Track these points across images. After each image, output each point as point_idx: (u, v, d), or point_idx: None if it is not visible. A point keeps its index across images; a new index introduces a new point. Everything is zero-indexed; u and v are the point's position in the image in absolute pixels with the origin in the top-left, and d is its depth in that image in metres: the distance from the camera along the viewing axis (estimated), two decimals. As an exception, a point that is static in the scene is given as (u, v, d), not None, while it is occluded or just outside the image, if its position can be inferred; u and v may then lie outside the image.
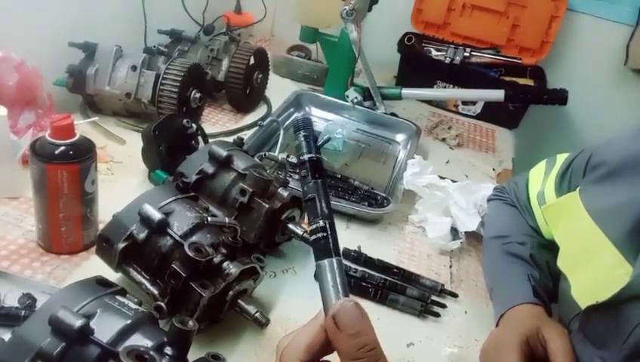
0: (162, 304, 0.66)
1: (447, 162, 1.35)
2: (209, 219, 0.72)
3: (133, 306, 0.55)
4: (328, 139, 1.09)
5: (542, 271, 0.82)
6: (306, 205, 0.41)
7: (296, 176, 1.12)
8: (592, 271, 0.67)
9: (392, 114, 1.41)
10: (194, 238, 0.70)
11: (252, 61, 1.30)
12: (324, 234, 0.40)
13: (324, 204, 0.40)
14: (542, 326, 0.71)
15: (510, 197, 0.95)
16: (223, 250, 0.70)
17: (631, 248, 0.62)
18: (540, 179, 0.88)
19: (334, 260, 0.39)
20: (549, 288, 0.81)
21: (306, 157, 0.41)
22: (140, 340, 0.51)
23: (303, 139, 0.42)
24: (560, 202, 0.78)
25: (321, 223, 0.40)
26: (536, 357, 0.70)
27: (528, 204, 0.90)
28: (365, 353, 0.35)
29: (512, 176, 1.33)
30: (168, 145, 0.96)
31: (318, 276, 0.40)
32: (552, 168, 0.86)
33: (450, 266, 0.99)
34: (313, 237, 0.40)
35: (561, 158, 0.86)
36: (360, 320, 0.36)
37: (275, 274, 0.87)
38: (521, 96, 1.40)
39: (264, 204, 0.81)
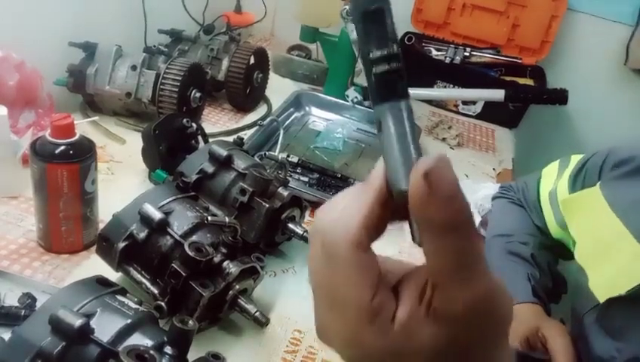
0: (162, 303, 0.66)
1: (447, 162, 1.35)
2: (209, 218, 0.72)
3: (134, 306, 0.55)
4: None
5: (542, 271, 0.82)
6: (366, 21, 0.27)
7: (296, 176, 1.12)
8: (613, 264, 0.68)
9: (393, 113, 1.41)
10: (194, 238, 0.70)
11: (252, 61, 1.30)
12: (397, 65, 0.27)
13: (394, 22, 0.27)
14: (541, 325, 0.71)
15: (517, 196, 0.95)
16: (223, 250, 0.70)
17: None
18: (553, 178, 0.89)
19: (403, 103, 0.27)
20: (548, 288, 0.81)
21: None
22: (140, 339, 0.51)
23: None
24: (579, 196, 0.79)
25: (395, 49, 0.27)
26: None
27: (538, 202, 0.90)
28: (464, 221, 0.25)
29: (512, 176, 1.33)
30: (168, 145, 0.96)
31: (384, 124, 0.27)
32: (565, 168, 0.87)
33: (450, 266, 0.99)
34: (380, 68, 0.27)
35: (575, 159, 0.86)
36: (456, 181, 0.25)
37: (275, 273, 0.87)
38: (521, 95, 1.40)
39: (264, 203, 0.81)
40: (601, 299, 0.67)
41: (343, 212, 0.28)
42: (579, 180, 0.81)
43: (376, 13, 0.27)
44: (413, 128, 0.27)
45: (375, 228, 0.28)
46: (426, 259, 0.26)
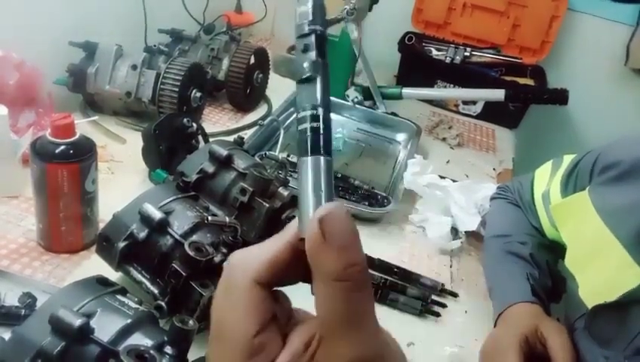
0: (162, 303, 0.66)
1: (447, 162, 1.35)
2: (209, 218, 0.72)
3: (134, 305, 0.55)
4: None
5: (541, 271, 0.82)
6: (300, 86, 0.32)
7: (296, 175, 1.12)
8: (600, 272, 0.67)
9: (393, 113, 1.41)
10: (194, 237, 0.70)
11: (252, 60, 1.30)
12: (315, 125, 0.30)
13: (323, 91, 0.31)
14: (540, 324, 0.71)
15: (514, 196, 0.95)
16: (224, 250, 0.70)
17: None
18: (546, 179, 0.88)
19: (322, 158, 0.30)
20: (548, 287, 0.81)
21: (308, 28, 0.32)
22: (140, 339, 0.51)
23: (310, 6, 0.33)
24: (569, 201, 0.78)
25: (315, 111, 0.31)
26: (535, 355, 0.70)
27: (532, 203, 0.90)
28: (354, 273, 0.26)
29: (512, 176, 1.33)
30: (169, 145, 0.96)
31: (297, 176, 0.31)
32: (558, 169, 0.86)
33: (451, 266, 0.99)
34: (301, 127, 0.31)
35: (568, 159, 0.85)
36: (352, 232, 0.27)
37: (275, 273, 0.87)
38: (522, 95, 1.40)
39: (264, 203, 0.81)
40: (589, 306, 0.67)
41: (252, 251, 0.30)
42: (571, 181, 0.81)
43: (307, 82, 0.31)
44: (331, 180, 0.29)
45: (281, 271, 0.28)
46: (316, 309, 0.27)
